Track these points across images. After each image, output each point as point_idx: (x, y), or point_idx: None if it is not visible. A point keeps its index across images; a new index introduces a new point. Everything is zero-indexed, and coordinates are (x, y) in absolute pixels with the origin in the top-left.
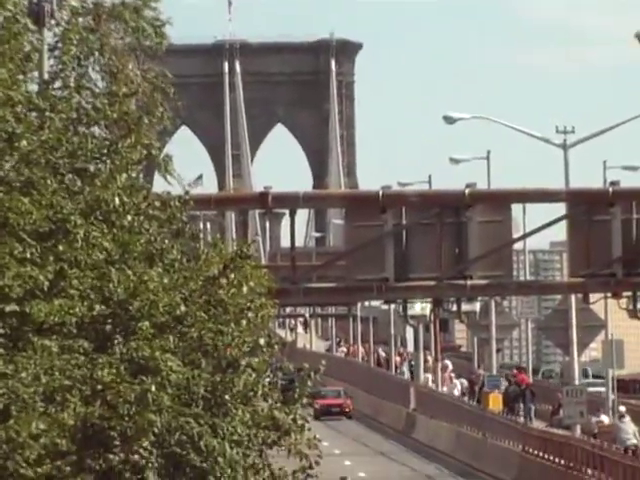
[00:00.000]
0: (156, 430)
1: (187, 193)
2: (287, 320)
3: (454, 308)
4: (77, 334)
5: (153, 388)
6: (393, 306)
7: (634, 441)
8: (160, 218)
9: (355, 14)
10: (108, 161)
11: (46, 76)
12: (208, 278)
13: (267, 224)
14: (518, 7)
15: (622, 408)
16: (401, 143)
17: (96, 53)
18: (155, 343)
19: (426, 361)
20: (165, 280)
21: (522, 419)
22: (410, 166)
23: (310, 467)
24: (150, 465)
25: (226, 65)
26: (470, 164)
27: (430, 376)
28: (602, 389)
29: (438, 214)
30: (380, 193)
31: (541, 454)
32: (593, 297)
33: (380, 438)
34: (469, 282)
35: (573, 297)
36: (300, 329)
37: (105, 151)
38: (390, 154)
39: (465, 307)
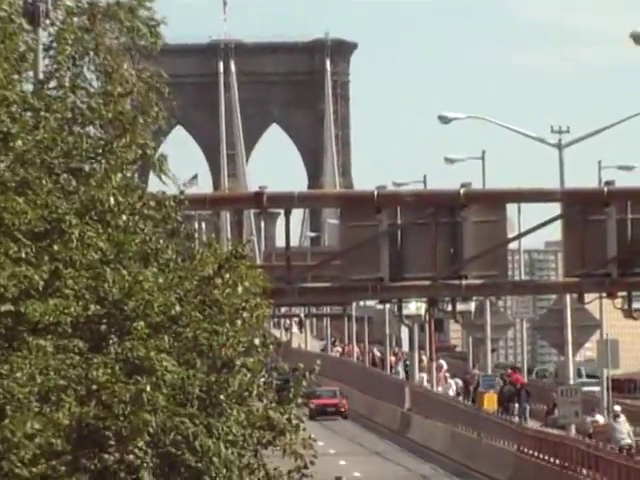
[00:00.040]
0: (151, 430)
1: (182, 193)
2: (282, 320)
3: (449, 308)
4: (72, 334)
5: (148, 388)
6: (388, 306)
7: (628, 441)
8: (155, 218)
9: (350, 14)
10: (103, 161)
11: (41, 76)
12: (203, 278)
13: (262, 224)
14: (513, 7)
15: (617, 408)
16: (396, 143)
17: (91, 53)
18: (150, 343)
19: (421, 361)
20: (160, 280)
21: (517, 419)
22: (405, 166)
23: (305, 467)
24: (145, 465)
25: (221, 65)
26: (465, 164)
27: (425, 376)
28: (595, 389)
29: (433, 214)
30: (375, 193)
31: (536, 454)
32: (588, 297)
33: (375, 438)
34: (464, 282)
35: (568, 297)
36: (295, 329)
37: (100, 151)
38: (385, 154)
39: (460, 307)
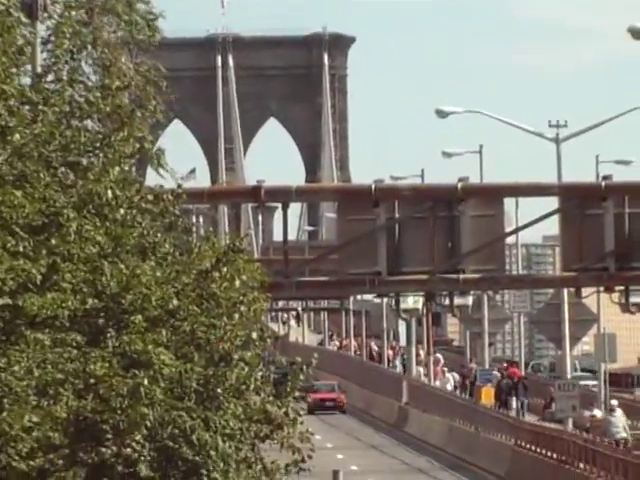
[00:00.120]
0: (148, 424)
1: (180, 187)
2: (280, 314)
3: (446, 302)
4: (70, 327)
5: (145, 382)
6: (385, 300)
7: (624, 435)
8: (153, 212)
9: (347, 8)
10: (101, 154)
11: (39, 69)
12: (201, 272)
13: (260, 218)
14: (513, 6)
15: (614, 402)
16: (394, 137)
17: (89, 46)
18: (148, 337)
19: (418, 355)
20: (158, 274)
21: (514, 412)
22: (403, 160)
23: (302, 460)
24: (142, 458)
25: (219, 59)
26: (463, 158)
27: (422, 370)
28: (590, 382)
29: (431, 208)
30: (373, 187)
31: (533, 448)
32: (585, 291)
33: (372, 432)
34: (461, 276)
35: (565, 291)
36: (293, 323)
37: (98, 144)
38: (383, 148)
39: (457, 301)
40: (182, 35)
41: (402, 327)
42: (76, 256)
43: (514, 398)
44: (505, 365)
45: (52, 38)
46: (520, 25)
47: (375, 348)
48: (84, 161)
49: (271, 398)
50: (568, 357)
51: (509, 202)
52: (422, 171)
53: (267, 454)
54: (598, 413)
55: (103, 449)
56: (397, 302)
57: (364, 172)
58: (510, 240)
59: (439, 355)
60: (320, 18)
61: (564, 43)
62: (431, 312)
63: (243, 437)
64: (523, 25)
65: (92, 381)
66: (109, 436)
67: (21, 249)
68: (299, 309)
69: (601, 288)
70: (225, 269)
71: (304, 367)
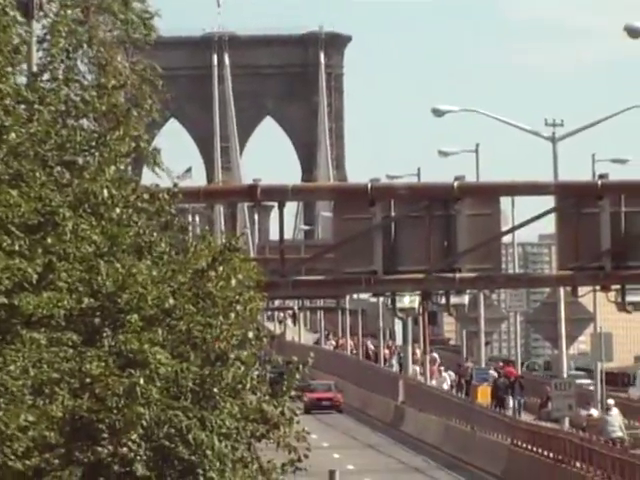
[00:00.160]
0: (144, 423)
1: (176, 186)
2: (276, 313)
3: (443, 301)
4: (65, 327)
5: (142, 381)
6: (382, 299)
7: (619, 434)
8: (149, 211)
9: (344, 8)
10: (97, 153)
11: (35, 68)
12: (197, 271)
13: (256, 217)
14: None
15: (610, 401)
16: (390, 136)
17: (85, 45)
18: (144, 336)
19: (414, 354)
20: (154, 273)
21: (510, 412)
22: (399, 159)
23: (299, 460)
24: (139, 458)
25: (215, 57)
26: (459, 157)
27: (418, 369)
28: (585, 381)
29: (427, 207)
30: (369, 186)
31: (529, 447)
32: (582, 290)
33: (369, 431)
34: (458, 275)
35: (562, 290)
36: (289, 322)
37: (94, 143)
38: (379, 147)
39: (454, 300)
40: (178, 34)
41: (398, 326)
42: (72, 255)
43: (510, 397)
44: (501, 364)
45: (48, 37)
46: (520, 25)
47: (371, 347)
48: (80, 160)
49: (267, 397)
50: (564, 356)
51: (505, 201)
52: (418, 170)
53: (263, 453)
54: (595, 412)
55: (99, 448)
56: (393, 301)
57: (360, 171)
58: (506, 239)
59: (435, 354)
60: (316, 17)
61: (564, 43)
62: (427, 311)
63: (239, 436)
64: (523, 25)
65: (88, 380)
66: (105, 435)
67: (17, 248)
68: (295, 308)
69: (597, 287)
70: (221, 268)
71: (300, 366)
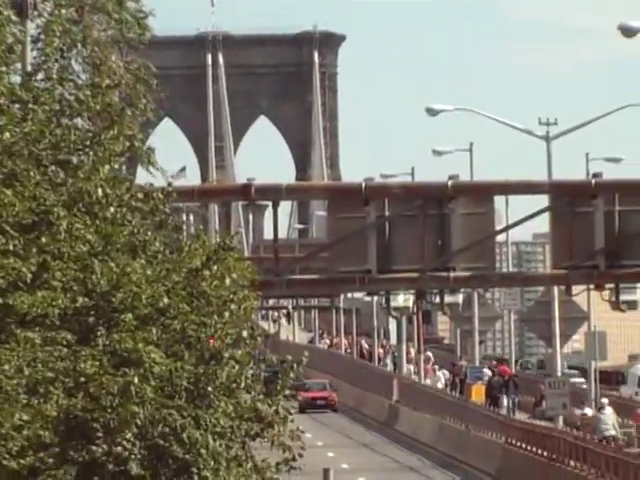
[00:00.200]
0: (139, 422)
1: (170, 185)
2: (270, 312)
3: (437, 300)
4: (60, 326)
5: (136, 380)
6: (376, 298)
7: (612, 432)
8: (143, 210)
9: (338, 7)
10: (91, 153)
11: (29, 68)
12: (191, 270)
13: (250, 216)
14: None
15: (604, 400)
16: (384, 135)
17: (79, 45)
18: (138, 335)
19: (409, 353)
20: (148, 272)
21: (505, 410)
22: (393, 158)
23: (293, 459)
24: (133, 457)
25: (209, 57)
26: (453, 156)
27: (412, 368)
28: (577, 380)
29: (421, 206)
30: (363, 185)
31: (524, 446)
32: (576, 289)
33: (363, 430)
34: (452, 274)
35: (556, 289)
36: (283, 321)
37: (88, 143)
38: (373, 146)
39: (448, 299)
40: (172, 33)
41: (392, 325)
42: (66, 254)
43: (505, 396)
44: (495, 363)
45: (42, 36)
46: (520, 25)
47: (365, 346)
48: (74, 159)
49: (262, 396)
50: (558, 355)
51: (499, 200)
52: (412, 169)
53: (258, 452)
54: (589, 411)
55: (94, 447)
56: (387, 300)
57: (354, 170)
58: (500, 238)
59: (429, 353)
60: (310, 16)
61: (564, 43)
62: (421, 310)
63: (233, 435)
64: (523, 25)
65: (82, 379)
66: (99, 434)
67: (11, 247)
68: (289, 307)
69: (591, 286)
70: (215, 267)
71: (295, 365)
